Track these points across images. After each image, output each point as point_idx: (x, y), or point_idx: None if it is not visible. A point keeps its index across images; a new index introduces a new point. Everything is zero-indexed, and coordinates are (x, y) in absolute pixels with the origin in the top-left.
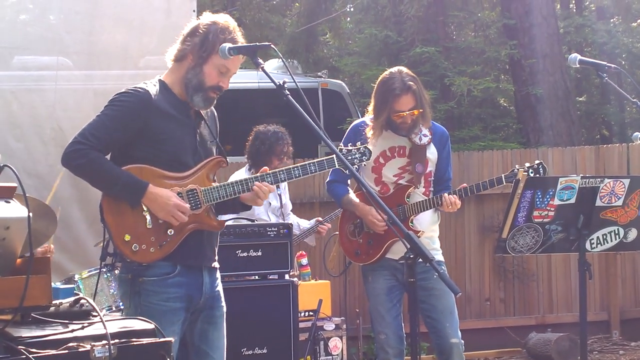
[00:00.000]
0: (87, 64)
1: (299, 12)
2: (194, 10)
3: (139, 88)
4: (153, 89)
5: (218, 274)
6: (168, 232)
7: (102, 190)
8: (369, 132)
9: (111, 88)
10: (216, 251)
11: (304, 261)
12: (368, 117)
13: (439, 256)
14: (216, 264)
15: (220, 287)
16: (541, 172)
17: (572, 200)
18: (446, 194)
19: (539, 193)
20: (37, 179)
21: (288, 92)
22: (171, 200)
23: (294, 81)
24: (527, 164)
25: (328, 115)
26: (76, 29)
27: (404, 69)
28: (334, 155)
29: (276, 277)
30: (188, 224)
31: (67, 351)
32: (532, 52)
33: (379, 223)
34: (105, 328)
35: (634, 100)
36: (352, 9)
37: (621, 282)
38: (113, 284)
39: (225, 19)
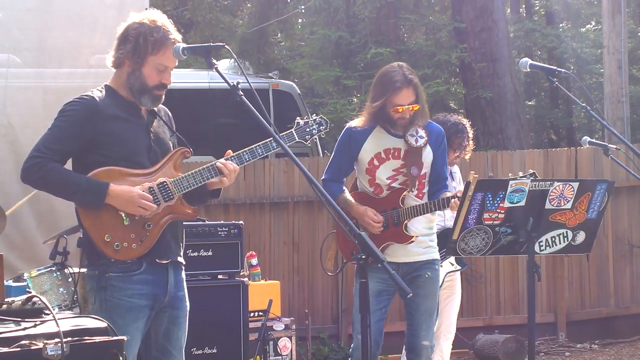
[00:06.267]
0: (38, 62)
1: (250, 12)
2: (146, 8)
3: (85, 96)
4: (99, 94)
5: (183, 275)
6: (146, 226)
7: (65, 199)
8: (358, 122)
9: (62, 86)
10: (182, 245)
11: (254, 261)
12: (354, 121)
13: (434, 254)
14: (181, 259)
15: (185, 289)
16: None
17: (522, 203)
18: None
19: (489, 195)
20: None
21: (242, 93)
22: (133, 191)
23: (248, 81)
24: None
25: (279, 115)
26: (27, 26)
27: (404, 64)
28: (293, 130)
29: (226, 277)
30: (164, 215)
31: (19, 349)
32: (483, 55)
33: (375, 224)
34: (57, 326)
35: (583, 104)
36: (303, 11)
37: (568, 285)
38: (62, 283)
39: (152, 17)
